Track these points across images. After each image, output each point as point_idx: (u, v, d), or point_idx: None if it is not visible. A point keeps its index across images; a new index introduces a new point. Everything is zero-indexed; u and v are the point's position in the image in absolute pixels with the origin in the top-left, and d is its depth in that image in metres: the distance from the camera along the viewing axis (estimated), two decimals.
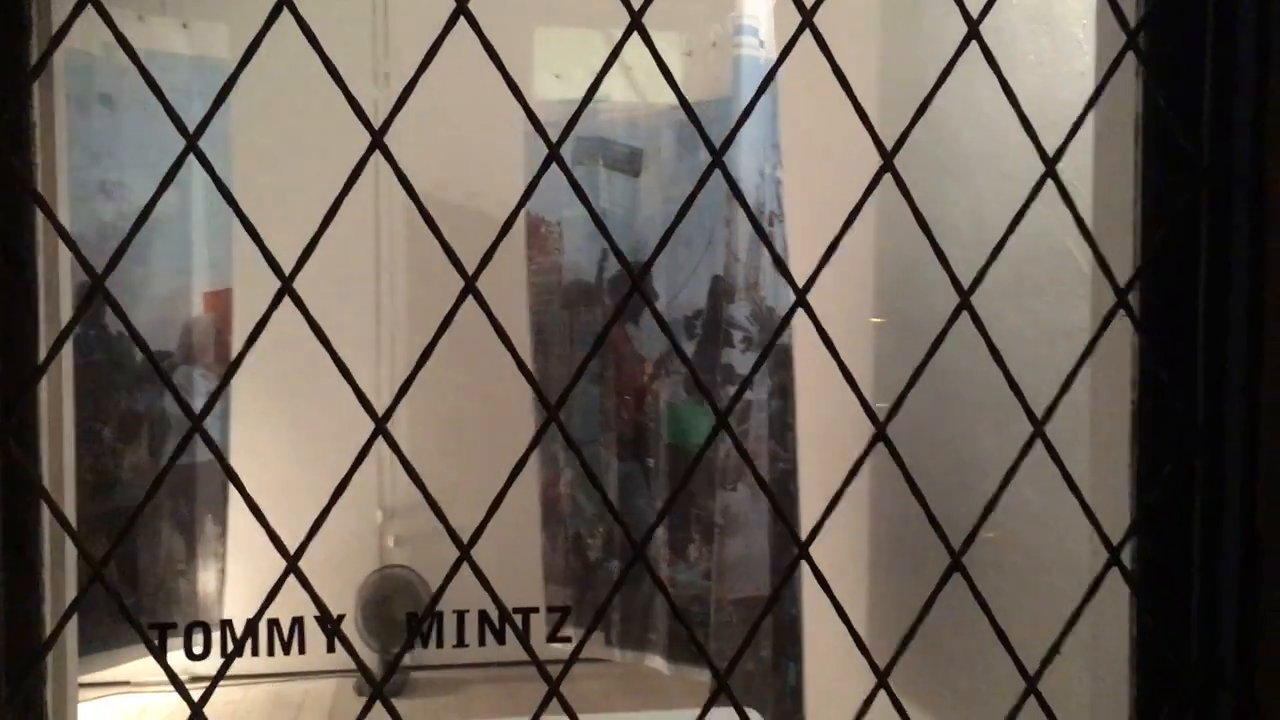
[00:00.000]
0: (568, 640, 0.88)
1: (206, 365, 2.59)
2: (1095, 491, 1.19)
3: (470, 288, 0.88)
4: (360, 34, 3.56)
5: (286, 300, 0.85)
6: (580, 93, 2.68)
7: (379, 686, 0.87)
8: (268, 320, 0.86)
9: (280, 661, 3.74)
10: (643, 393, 2.73)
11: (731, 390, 2.38)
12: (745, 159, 2.39)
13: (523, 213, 2.92)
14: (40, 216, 0.85)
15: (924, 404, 2.94)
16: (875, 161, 0.88)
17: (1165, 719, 0.95)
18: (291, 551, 0.86)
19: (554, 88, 2.63)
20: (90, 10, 0.80)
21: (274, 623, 0.93)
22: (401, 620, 3.48)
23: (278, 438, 3.40)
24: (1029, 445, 0.92)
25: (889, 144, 0.88)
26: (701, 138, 0.88)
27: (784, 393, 2.47)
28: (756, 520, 2.38)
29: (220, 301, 2.67)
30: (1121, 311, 0.92)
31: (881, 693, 0.91)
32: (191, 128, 0.80)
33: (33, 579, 0.86)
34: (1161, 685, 0.97)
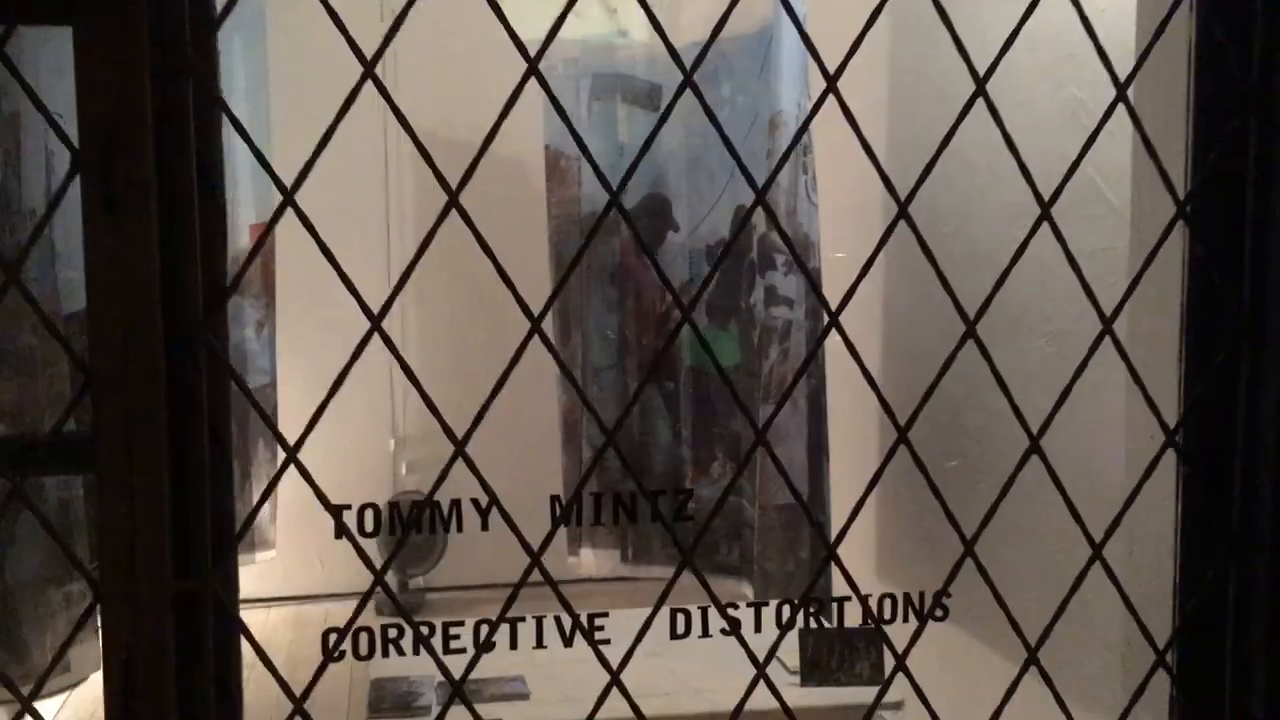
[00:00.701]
0: (690, 519, 0.97)
1: (254, 295, 2.67)
2: (1135, 389, 1.31)
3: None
4: None
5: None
6: (632, 27, 2.73)
7: (536, 562, 0.98)
8: (434, 234, 0.96)
9: (301, 583, 3.86)
10: (662, 319, 2.85)
11: (775, 310, 2.51)
12: (785, 91, 2.50)
13: (542, 148, 3.01)
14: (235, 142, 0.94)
15: (934, 326, 3.07)
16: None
17: (1209, 580, 1.08)
18: (460, 436, 0.97)
19: (606, 22, 2.71)
20: None
21: (435, 504, 1.04)
22: (417, 543, 3.60)
23: (314, 366, 3.50)
24: (1098, 342, 1.04)
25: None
26: (820, 68, 0.98)
27: (816, 314, 2.59)
28: (796, 433, 2.52)
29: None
30: (1181, 223, 1.04)
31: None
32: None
33: (227, 465, 0.97)
34: (1204, 552, 1.10)
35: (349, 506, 1.02)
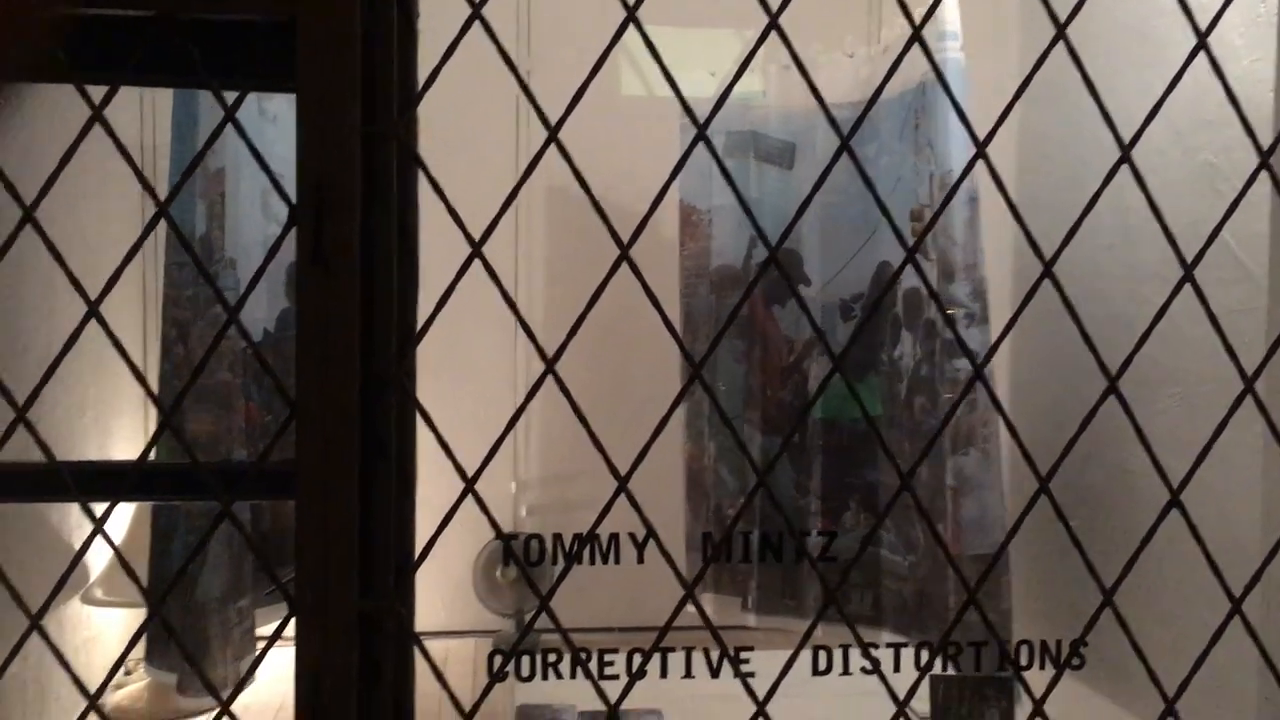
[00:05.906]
0: (834, 560, 1.01)
1: None
2: (1271, 449, 1.33)
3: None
4: (504, 33, 3.76)
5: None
6: (767, 86, 2.81)
7: (690, 586, 1.04)
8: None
9: (420, 620, 3.96)
10: (789, 371, 2.91)
11: (958, 363, 2.57)
12: (955, 150, 2.57)
13: (676, 201, 3.09)
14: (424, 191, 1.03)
15: (1055, 388, 3.07)
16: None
17: None
18: (623, 471, 1.04)
19: (709, 85, 2.80)
20: None
21: (595, 537, 1.11)
22: (538, 579, 3.68)
23: (441, 410, 3.61)
24: (1239, 400, 1.07)
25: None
26: (970, 134, 1.04)
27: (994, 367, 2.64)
28: (989, 483, 2.53)
29: None
30: None
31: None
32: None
33: (410, 496, 1.05)
34: None
35: (515, 536, 1.09)
